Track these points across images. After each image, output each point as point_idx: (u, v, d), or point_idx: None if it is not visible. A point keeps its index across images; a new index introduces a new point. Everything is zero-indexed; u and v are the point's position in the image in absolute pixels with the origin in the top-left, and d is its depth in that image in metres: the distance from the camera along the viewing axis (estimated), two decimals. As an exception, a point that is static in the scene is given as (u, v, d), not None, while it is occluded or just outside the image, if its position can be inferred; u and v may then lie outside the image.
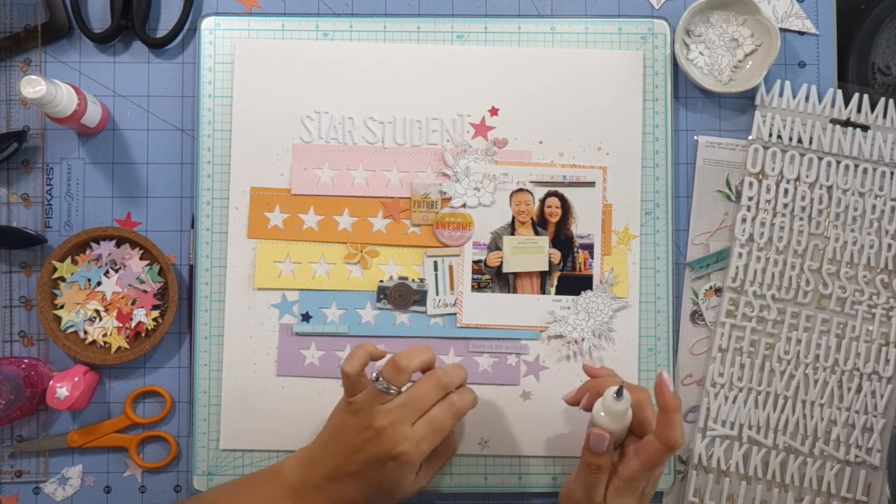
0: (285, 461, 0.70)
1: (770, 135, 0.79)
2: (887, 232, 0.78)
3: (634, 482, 0.65)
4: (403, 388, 0.67)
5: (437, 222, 0.78)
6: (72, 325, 0.77)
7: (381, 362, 0.68)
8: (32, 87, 0.68)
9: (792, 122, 0.79)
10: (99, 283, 0.77)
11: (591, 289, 0.78)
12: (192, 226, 0.78)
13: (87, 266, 0.77)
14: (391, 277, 0.78)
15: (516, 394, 0.77)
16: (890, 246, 0.78)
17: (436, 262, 0.78)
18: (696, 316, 0.79)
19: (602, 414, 0.65)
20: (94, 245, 0.78)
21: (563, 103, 0.79)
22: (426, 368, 0.68)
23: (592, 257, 0.78)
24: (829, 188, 0.79)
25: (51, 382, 0.74)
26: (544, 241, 0.78)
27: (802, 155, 0.79)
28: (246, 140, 0.78)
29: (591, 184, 0.79)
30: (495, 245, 0.78)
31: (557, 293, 0.78)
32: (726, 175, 0.80)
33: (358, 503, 0.66)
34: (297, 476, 0.67)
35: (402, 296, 0.77)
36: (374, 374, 0.67)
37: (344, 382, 0.68)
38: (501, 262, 0.78)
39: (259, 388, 0.77)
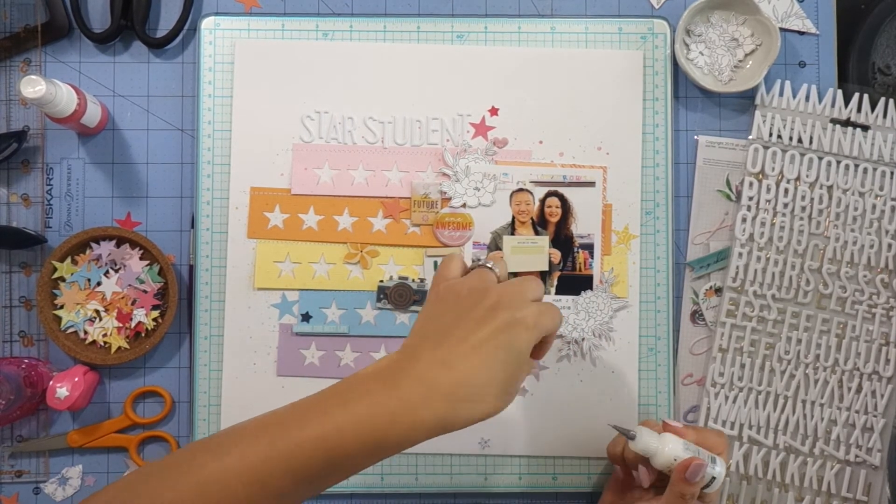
0: (397, 355, 0.57)
1: (770, 134, 0.79)
2: (887, 232, 0.78)
3: None
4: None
5: (437, 222, 0.78)
6: (72, 325, 0.77)
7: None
8: (32, 87, 0.68)
9: (792, 122, 0.79)
10: (99, 283, 0.77)
11: (591, 289, 0.78)
12: (192, 226, 0.78)
13: (87, 266, 0.77)
14: (391, 277, 0.78)
15: (516, 394, 0.77)
16: (890, 246, 0.78)
17: (436, 262, 0.78)
18: (696, 316, 0.79)
19: (653, 459, 0.66)
20: (94, 245, 0.78)
21: (563, 103, 0.79)
22: None
23: (592, 257, 0.78)
24: (830, 188, 0.79)
25: (51, 382, 0.74)
26: (544, 240, 0.78)
27: (802, 155, 0.79)
28: (246, 140, 0.78)
29: (591, 184, 0.78)
30: (495, 245, 0.78)
31: (557, 293, 0.78)
32: (726, 175, 0.80)
33: (500, 377, 0.55)
34: (426, 356, 0.55)
35: (402, 296, 0.77)
36: (477, 260, 0.63)
37: (449, 262, 0.62)
38: (501, 262, 0.78)
39: (259, 388, 0.77)
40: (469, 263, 0.65)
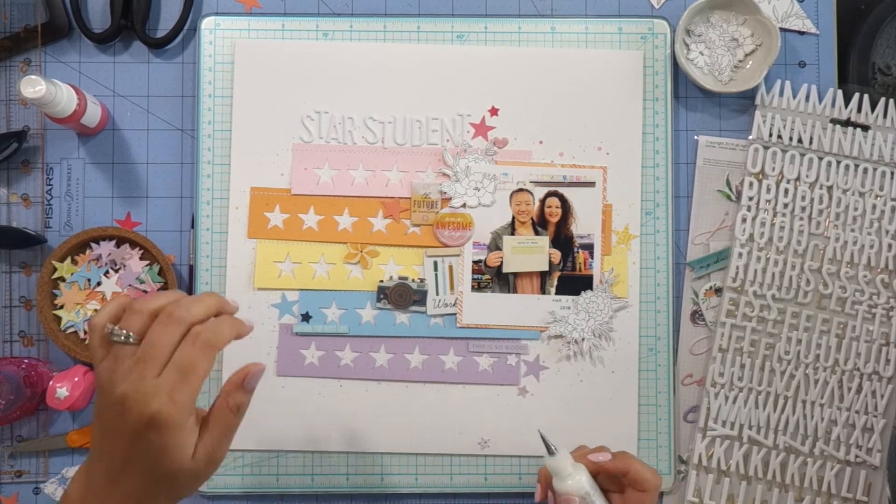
0: (71, 481, 0.56)
1: (770, 135, 0.79)
2: (887, 232, 0.78)
3: None
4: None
5: (437, 222, 0.78)
6: (72, 325, 0.77)
7: None
8: (32, 87, 0.68)
9: (792, 122, 0.79)
10: (99, 283, 0.77)
11: (591, 289, 0.78)
12: (192, 226, 0.78)
13: (87, 266, 0.77)
14: (391, 277, 0.78)
15: (516, 394, 0.77)
16: (890, 246, 0.78)
17: (436, 262, 0.78)
18: (696, 316, 0.79)
19: (557, 480, 0.66)
20: (93, 245, 0.77)
21: (563, 103, 0.79)
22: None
23: (592, 257, 0.78)
24: (830, 188, 0.79)
25: (51, 382, 0.74)
26: (544, 240, 0.78)
27: (803, 155, 0.79)
28: (246, 140, 0.78)
29: (591, 184, 0.78)
30: (495, 245, 0.78)
31: (557, 293, 0.78)
32: (726, 175, 0.80)
33: (147, 499, 0.53)
34: (78, 494, 0.54)
35: (402, 296, 0.77)
36: (107, 327, 0.54)
37: (91, 344, 0.55)
38: (501, 262, 0.78)
39: (259, 388, 0.77)
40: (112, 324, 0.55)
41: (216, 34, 0.79)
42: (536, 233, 0.78)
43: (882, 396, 0.77)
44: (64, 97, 0.71)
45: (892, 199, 0.79)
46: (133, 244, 0.78)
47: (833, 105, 0.80)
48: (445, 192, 0.78)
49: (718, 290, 0.79)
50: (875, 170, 0.79)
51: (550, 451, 0.66)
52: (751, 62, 0.80)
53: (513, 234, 0.78)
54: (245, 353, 0.77)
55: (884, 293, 0.78)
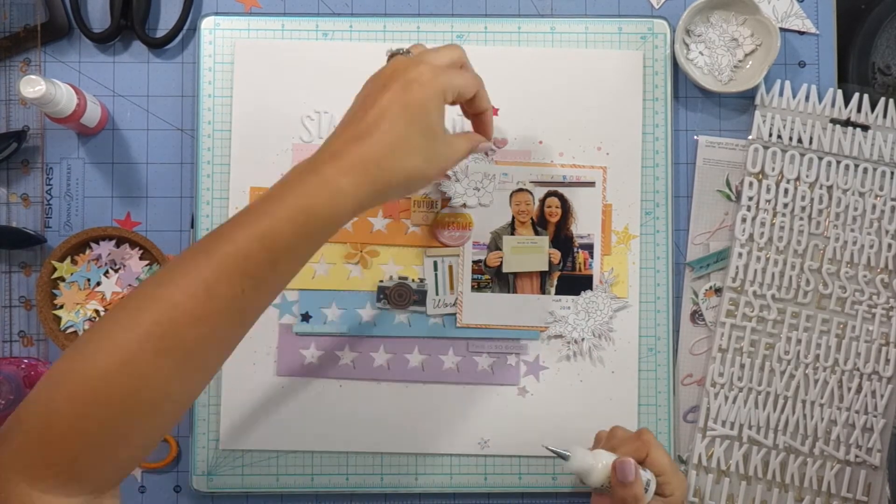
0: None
1: (770, 135, 0.79)
2: (887, 232, 0.78)
3: None
4: None
5: (437, 222, 0.78)
6: (71, 325, 0.77)
7: None
8: (32, 86, 0.68)
9: (792, 122, 0.79)
10: (98, 283, 0.77)
11: (591, 289, 0.78)
12: (192, 226, 0.78)
13: (87, 266, 0.77)
14: (391, 277, 0.78)
15: (516, 394, 0.77)
16: (890, 246, 0.78)
17: (436, 262, 0.78)
18: (696, 316, 0.79)
19: (586, 478, 0.65)
20: (93, 245, 0.77)
21: (563, 103, 0.79)
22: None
23: (592, 257, 0.78)
24: (829, 188, 0.79)
25: (50, 382, 0.74)
26: (544, 241, 0.78)
27: (802, 155, 0.79)
28: (246, 140, 0.78)
29: (591, 184, 0.78)
30: (495, 245, 0.78)
31: (557, 293, 0.78)
32: (726, 175, 0.80)
33: (414, 135, 0.58)
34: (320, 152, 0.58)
35: (401, 296, 0.77)
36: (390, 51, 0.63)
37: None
38: (501, 262, 0.78)
39: (259, 388, 0.77)
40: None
41: (216, 34, 0.79)
42: (536, 233, 0.78)
43: (882, 396, 0.78)
44: (63, 97, 0.71)
45: (892, 199, 0.79)
46: (133, 244, 0.78)
47: (833, 105, 0.80)
48: (445, 192, 0.78)
49: (718, 290, 0.79)
50: (875, 170, 0.79)
51: (565, 458, 0.65)
52: (751, 62, 0.80)
53: (513, 234, 0.78)
54: (244, 353, 0.77)
55: (884, 293, 0.78)
